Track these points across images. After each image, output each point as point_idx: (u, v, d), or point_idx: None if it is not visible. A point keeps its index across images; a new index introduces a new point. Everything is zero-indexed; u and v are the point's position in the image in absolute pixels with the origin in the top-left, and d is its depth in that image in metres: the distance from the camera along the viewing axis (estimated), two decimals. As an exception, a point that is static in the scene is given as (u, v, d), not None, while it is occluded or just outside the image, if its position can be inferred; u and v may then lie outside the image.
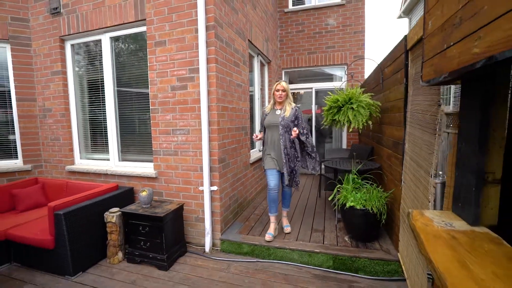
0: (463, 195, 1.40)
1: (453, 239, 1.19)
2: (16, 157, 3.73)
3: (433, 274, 1.03)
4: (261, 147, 3.02)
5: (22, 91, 3.65)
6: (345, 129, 6.14)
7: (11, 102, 3.65)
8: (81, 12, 3.32)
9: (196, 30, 2.80)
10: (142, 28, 3.12)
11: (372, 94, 3.38)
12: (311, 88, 6.42)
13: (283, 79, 6.49)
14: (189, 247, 3.03)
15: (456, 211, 1.46)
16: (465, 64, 1.04)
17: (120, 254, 2.78)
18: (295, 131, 2.64)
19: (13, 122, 3.66)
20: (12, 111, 3.66)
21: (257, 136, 2.98)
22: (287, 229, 3.07)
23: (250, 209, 3.84)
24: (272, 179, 2.86)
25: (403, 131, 2.29)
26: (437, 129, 1.56)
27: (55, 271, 2.56)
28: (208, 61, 2.83)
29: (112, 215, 2.70)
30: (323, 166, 4.55)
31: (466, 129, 1.38)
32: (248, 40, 3.93)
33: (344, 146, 6.19)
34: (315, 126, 6.40)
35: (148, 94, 3.15)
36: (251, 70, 4.56)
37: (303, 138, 2.78)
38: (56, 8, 3.41)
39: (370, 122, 3.14)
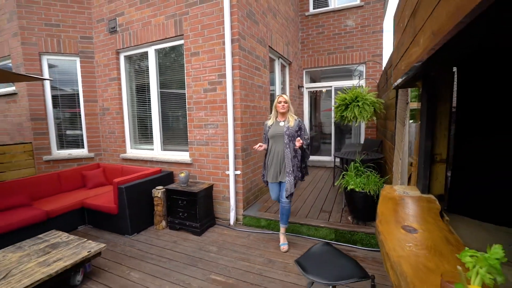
0: (420, 172, 1.84)
1: (400, 199, 1.67)
2: (83, 147, 4.69)
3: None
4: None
5: (87, 94, 4.59)
6: (363, 125, 6.45)
7: (79, 103, 4.60)
8: (132, 30, 4.12)
9: (223, 43, 3.42)
10: (180, 42, 3.82)
11: (376, 92, 3.75)
12: (331, 86, 6.79)
13: (304, 78, 6.93)
14: (217, 221, 3.69)
15: (417, 184, 1.90)
16: (401, 75, 1.53)
17: (164, 222, 3.53)
18: (298, 141, 2.65)
19: (81, 119, 4.62)
20: (80, 110, 4.61)
21: (261, 146, 2.98)
22: (284, 247, 2.91)
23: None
24: (273, 193, 3.07)
25: (394, 125, 2.70)
26: (406, 122, 2.00)
27: (118, 231, 3.37)
28: (233, 68, 3.44)
29: (158, 191, 3.44)
30: (337, 159, 4.96)
31: (422, 121, 1.82)
32: (269, 46, 4.48)
33: (362, 141, 6.49)
34: (334, 123, 6.76)
35: (185, 95, 3.85)
36: (272, 71, 5.10)
37: (306, 147, 2.86)
38: (114, 27, 4.26)
39: (374, 118, 3.53)
